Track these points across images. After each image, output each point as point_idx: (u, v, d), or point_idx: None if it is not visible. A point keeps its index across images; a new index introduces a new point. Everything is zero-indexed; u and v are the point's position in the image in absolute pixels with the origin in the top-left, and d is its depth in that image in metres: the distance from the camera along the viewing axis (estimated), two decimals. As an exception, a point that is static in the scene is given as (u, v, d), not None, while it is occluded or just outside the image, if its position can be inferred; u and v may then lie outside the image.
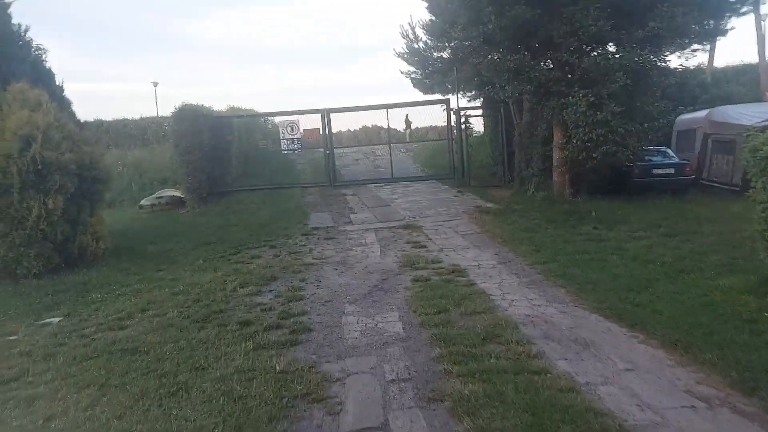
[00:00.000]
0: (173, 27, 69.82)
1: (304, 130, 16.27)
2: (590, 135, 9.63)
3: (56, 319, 5.88)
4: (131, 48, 63.89)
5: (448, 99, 15.74)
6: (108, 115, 37.25)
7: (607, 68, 9.55)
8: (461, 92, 15.99)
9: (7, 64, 8.80)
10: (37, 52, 9.74)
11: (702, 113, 14.24)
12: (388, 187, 15.90)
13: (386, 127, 20.51)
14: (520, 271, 6.74)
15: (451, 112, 15.55)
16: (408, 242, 8.89)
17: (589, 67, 9.64)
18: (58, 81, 10.03)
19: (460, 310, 5.19)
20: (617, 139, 9.53)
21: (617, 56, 9.58)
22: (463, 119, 15.52)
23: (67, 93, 10.20)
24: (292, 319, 5.21)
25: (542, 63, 10.23)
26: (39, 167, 7.40)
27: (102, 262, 8.12)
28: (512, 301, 5.57)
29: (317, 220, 11.35)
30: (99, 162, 8.52)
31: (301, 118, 16.35)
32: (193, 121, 15.32)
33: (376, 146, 23.32)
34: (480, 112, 16.62)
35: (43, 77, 9.52)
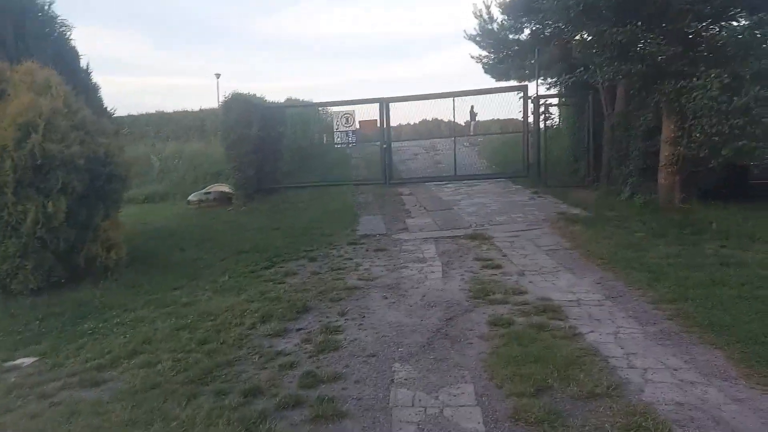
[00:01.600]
0: (243, 22, 70.64)
1: (360, 121, 14.75)
2: (720, 127, 7.41)
3: (29, 360, 4.61)
4: (198, 42, 65.14)
5: (526, 85, 13.69)
6: (169, 107, 37.46)
7: (748, 42, 7.29)
8: (542, 78, 13.86)
9: (23, 40, 7.76)
10: (62, 29, 8.69)
11: None
12: (450, 185, 14.07)
13: (447, 120, 18.83)
14: (641, 314, 4.81)
15: (529, 101, 13.48)
16: (477, 259, 7.11)
17: (727, 40, 7.40)
18: (83, 63, 8.98)
19: (568, 390, 3.40)
20: (758, 132, 7.25)
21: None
22: (542, 108, 13.42)
23: (114, 82, 9.17)
24: (319, 390, 3.61)
25: (655, 37, 8.04)
26: (38, 162, 6.24)
27: (114, 275, 6.91)
28: (645, 371, 3.71)
29: (368, 225, 9.76)
30: (116, 156, 7.30)
31: (358, 108, 14.84)
32: (242, 111, 14.19)
33: (437, 139, 21.49)
34: (562, 100, 14.42)
35: (66, 57, 8.48)
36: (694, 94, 7.51)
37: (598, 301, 5.18)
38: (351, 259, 7.52)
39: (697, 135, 7.68)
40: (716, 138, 7.50)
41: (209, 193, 15.63)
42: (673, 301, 5.01)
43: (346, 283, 6.22)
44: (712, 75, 7.29)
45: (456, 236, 8.58)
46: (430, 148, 21.20)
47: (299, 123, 18.44)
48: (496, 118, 18.11)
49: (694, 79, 7.72)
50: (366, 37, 73.28)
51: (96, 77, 9.38)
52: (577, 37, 13.06)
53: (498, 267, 6.63)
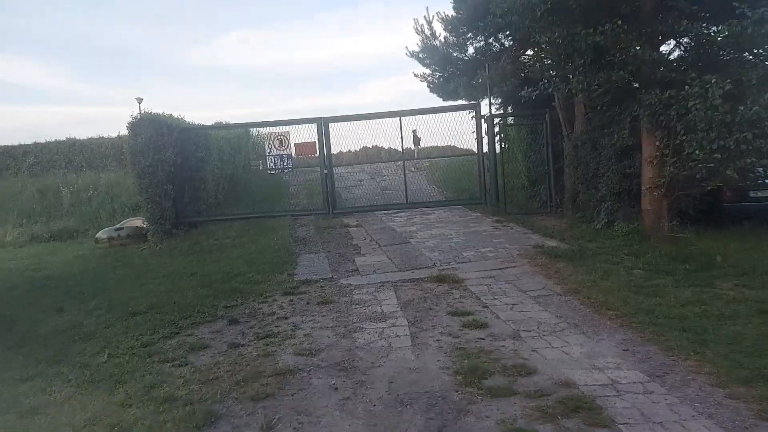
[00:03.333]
0: (174, 51, 67.18)
1: (296, 144, 12.96)
2: (722, 141, 6.26)
3: None
4: (124, 71, 61.30)
5: (478, 103, 12.45)
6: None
7: (750, 42, 6.25)
8: (493, 96, 12.69)
9: None
10: None
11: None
12: (401, 215, 12.51)
13: (388, 147, 17.40)
14: (715, 408, 3.28)
15: (482, 120, 12.24)
16: (452, 312, 5.47)
17: (726, 40, 6.34)
18: None
19: None
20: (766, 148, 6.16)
21: None
22: (497, 128, 12.23)
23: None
24: None
25: (639, 39, 6.90)
26: None
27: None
28: None
29: (309, 267, 7.92)
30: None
31: (293, 129, 13.06)
32: (154, 133, 12.07)
33: (382, 163, 20.05)
34: (510, 121, 13.34)
35: None
36: (691, 104, 6.35)
37: (642, 384, 3.63)
38: (286, 318, 5.65)
39: (695, 152, 6.49)
40: (718, 155, 6.35)
41: (121, 228, 13.30)
42: (747, 381, 3.54)
43: (277, 364, 4.35)
44: (713, 81, 6.15)
45: (419, 279, 6.93)
46: (374, 173, 19.66)
47: (227, 148, 16.39)
48: (443, 143, 16.80)
49: (686, 87, 6.59)
50: (308, 65, 71.87)
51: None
52: (536, 48, 12.11)
53: (483, 326, 5.00)
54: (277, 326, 5.40)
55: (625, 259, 7.25)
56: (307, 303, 6.19)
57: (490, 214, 11.75)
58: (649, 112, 7.36)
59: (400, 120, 12.43)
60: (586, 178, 10.57)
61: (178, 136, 12.56)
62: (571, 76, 7.83)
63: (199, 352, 4.82)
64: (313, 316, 5.70)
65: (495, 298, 5.93)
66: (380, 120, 12.89)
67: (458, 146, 13.97)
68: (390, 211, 12.86)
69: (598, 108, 9.10)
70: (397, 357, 4.38)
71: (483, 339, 4.68)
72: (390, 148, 18.94)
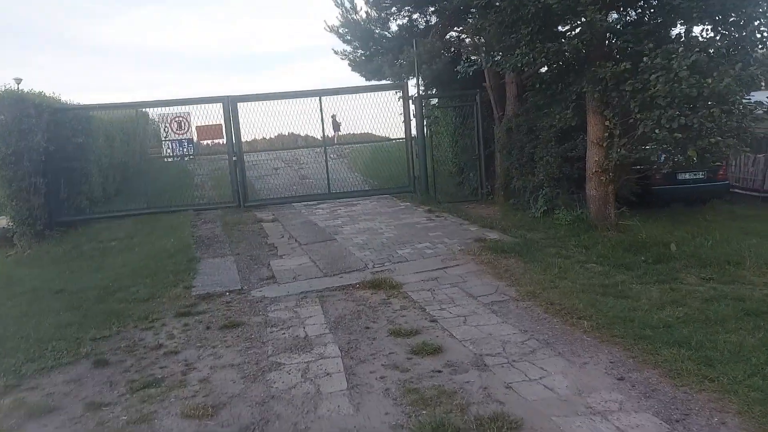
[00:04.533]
0: (71, 28, 59.75)
1: (197, 127, 11.21)
2: (685, 119, 5.62)
3: None
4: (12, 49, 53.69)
5: (405, 83, 11.41)
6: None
7: (725, 3, 5.62)
8: (420, 76, 11.66)
9: None
10: None
11: None
12: (323, 206, 11.22)
13: (305, 135, 15.99)
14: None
15: (410, 102, 11.21)
16: (395, 332, 4.35)
17: (689, 4, 5.65)
18: None
19: None
20: (732, 125, 5.59)
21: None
22: (425, 109, 11.26)
23: None
24: None
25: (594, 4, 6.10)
26: None
27: None
28: None
29: (212, 276, 6.46)
30: None
31: (195, 110, 11.27)
32: (17, 114, 9.86)
33: (301, 149, 18.52)
34: (442, 101, 12.44)
35: None
36: (653, 76, 5.63)
37: (661, 433, 2.72)
38: (176, 353, 4.25)
39: (655, 132, 5.82)
40: (678, 134, 5.71)
41: (-18, 231, 10.83)
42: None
43: (155, 436, 3.00)
44: (679, 51, 5.47)
45: (350, 286, 5.75)
46: (292, 161, 18.13)
47: (119, 132, 14.15)
48: (366, 128, 15.55)
49: (644, 59, 5.89)
50: (220, 47, 67.10)
51: None
52: (466, 24, 11.24)
53: (436, 351, 3.92)
54: (162, 367, 3.99)
55: (575, 251, 6.54)
56: (207, 327, 4.80)
57: (420, 204, 10.79)
58: (599, 88, 6.64)
59: (320, 100, 11.09)
60: (520, 163, 9.88)
61: (51, 118, 10.42)
62: (514, 50, 6.91)
63: (40, 420, 3.33)
64: (214, 347, 4.34)
65: (443, 308, 4.89)
66: (297, 101, 11.49)
67: (382, 132, 12.86)
68: (310, 203, 11.53)
69: (537, 86, 8.34)
70: (330, 411, 3.19)
71: (440, 372, 3.60)
72: (308, 136, 17.43)
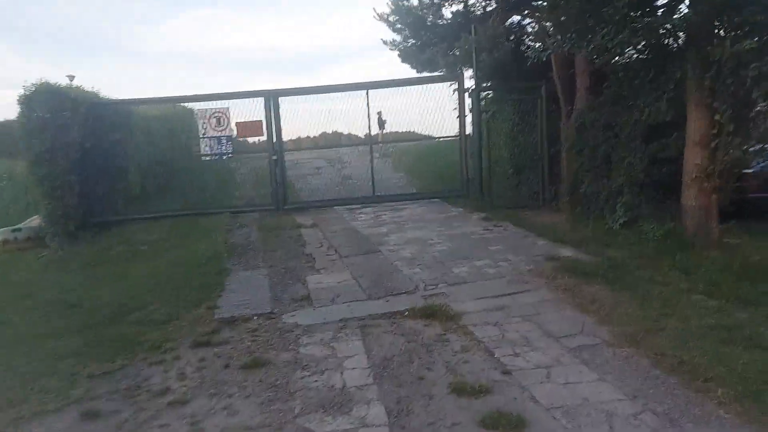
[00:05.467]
0: (119, 30, 61.57)
1: (237, 123, 10.51)
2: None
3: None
4: (69, 52, 55.69)
5: (461, 73, 10.32)
6: None
7: None
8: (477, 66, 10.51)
9: None
10: None
11: None
12: (367, 210, 10.31)
13: (348, 133, 15.07)
14: None
15: (466, 95, 10.13)
16: (458, 388, 3.35)
17: None
18: None
19: None
20: None
21: None
22: (484, 103, 10.15)
23: None
24: None
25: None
26: None
27: None
28: None
29: (240, 294, 5.64)
30: None
31: (235, 105, 10.59)
32: (53, 108, 9.49)
33: (344, 148, 17.66)
34: (499, 94, 11.24)
35: None
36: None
37: None
38: (184, 404, 3.40)
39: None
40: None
41: (19, 230, 10.58)
42: None
43: None
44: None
45: (397, 313, 4.78)
46: (335, 160, 17.32)
47: (161, 129, 13.76)
48: (415, 126, 14.39)
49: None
50: (273, 50, 67.34)
51: None
52: (531, 8, 10.07)
53: (517, 426, 2.90)
54: (162, 425, 3.15)
55: (673, 277, 5.31)
56: (226, 366, 3.95)
57: (474, 210, 9.70)
58: (710, 73, 5.37)
59: (367, 94, 10.16)
60: (593, 165, 8.60)
61: (88, 112, 9.96)
62: (599, 30, 5.71)
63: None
64: (230, 396, 3.48)
65: (516, 353, 3.84)
66: (342, 97, 10.62)
67: (432, 129, 11.77)
68: (353, 206, 10.64)
69: (621, 75, 7.09)
70: None
71: (527, 464, 2.58)
72: (350, 134, 16.58)
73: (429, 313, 4.69)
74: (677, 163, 6.79)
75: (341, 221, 9.31)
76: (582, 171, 8.95)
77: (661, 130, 7.02)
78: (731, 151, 5.44)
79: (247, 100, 10.47)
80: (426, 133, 12.37)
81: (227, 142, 10.53)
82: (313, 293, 5.51)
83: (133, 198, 11.51)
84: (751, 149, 5.83)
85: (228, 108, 10.43)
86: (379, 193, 10.84)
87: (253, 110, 10.56)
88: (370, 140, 10.91)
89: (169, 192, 12.78)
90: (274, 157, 10.18)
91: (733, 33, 5.21)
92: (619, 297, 4.79)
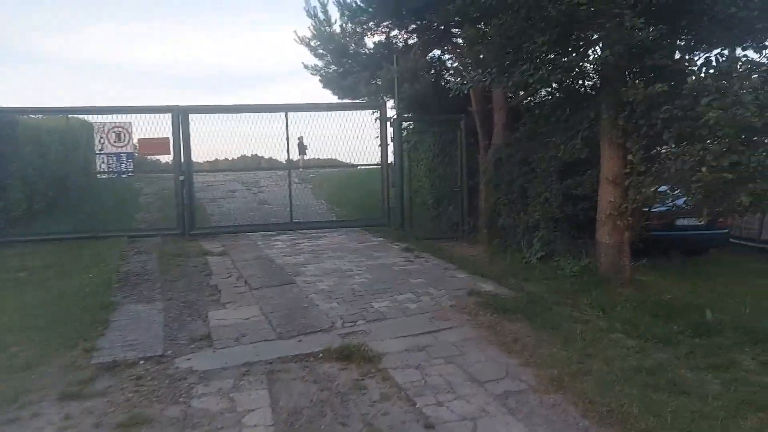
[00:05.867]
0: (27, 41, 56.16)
1: (140, 140, 9.61)
2: (738, 156, 4.52)
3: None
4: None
5: (384, 101, 10.21)
6: None
7: None
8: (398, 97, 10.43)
9: None
10: None
11: None
12: (283, 237, 9.75)
13: (268, 157, 14.53)
14: None
15: (387, 123, 9.99)
16: (375, 445, 2.94)
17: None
18: None
19: None
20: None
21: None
22: (405, 133, 10.06)
23: None
24: None
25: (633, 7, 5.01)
26: None
27: None
28: None
29: (127, 332, 4.87)
30: None
31: (138, 120, 9.70)
32: None
33: (263, 171, 16.95)
34: (419, 125, 11.26)
35: None
36: (706, 100, 4.51)
37: None
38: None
39: (702, 170, 4.68)
40: (729, 175, 4.59)
41: None
42: None
43: None
44: (741, 69, 4.39)
45: (310, 355, 4.30)
46: (252, 183, 16.63)
47: (54, 142, 12.35)
48: (336, 153, 13.94)
49: (689, 78, 4.81)
50: (194, 68, 64.60)
51: None
52: (451, 44, 10.21)
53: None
54: None
55: (591, 314, 5.30)
56: (97, 425, 3.25)
57: (395, 240, 9.47)
58: (624, 114, 5.53)
59: (286, 116, 9.72)
60: (509, 199, 8.74)
61: (-40, 120, 8.66)
62: (520, 65, 5.74)
63: None
64: (95, 468, 2.81)
65: (440, 402, 3.51)
66: (261, 118, 10.09)
67: (354, 156, 11.50)
68: (269, 233, 10.03)
69: (538, 112, 7.24)
70: None
71: None
72: (271, 159, 15.99)
73: (346, 355, 4.26)
74: (591, 200, 6.96)
75: (254, 249, 8.68)
76: (499, 205, 9.05)
77: (576, 167, 7.21)
78: (643, 190, 5.59)
79: (153, 115, 9.63)
80: (348, 160, 12.08)
81: (127, 159, 9.58)
82: (214, 332, 4.88)
83: (16, 218, 10.11)
84: (660, 189, 6.05)
85: (130, 123, 9.53)
86: (297, 220, 10.33)
87: (161, 127, 9.75)
88: (288, 165, 10.42)
89: (60, 212, 11.40)
90: (182, 178, 9.39)
91: (644, 78, 5.41)
92: (541, 335, 4.65)
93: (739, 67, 4.37)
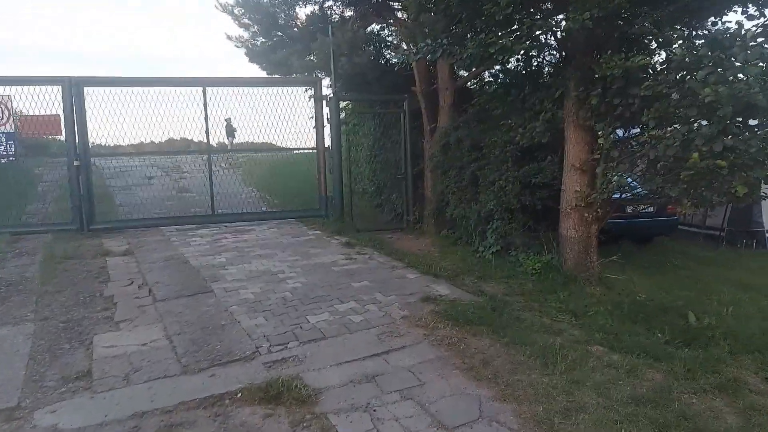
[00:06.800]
0: None
1: (23, 117, 7.95)
2: (737, 141, 3.90)
3: None
4: None
5: (319, 78, 9.08)
6: None
7: None
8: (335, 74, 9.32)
9: None
10: None
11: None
12: (204, 232, 8.48)
13: (198, 140, 13.02)
14: None
15: (323, 103, 8.89)
16: None
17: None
18: None
19: None
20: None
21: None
22: (344, 115, 9.01)
23: None
24: None
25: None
26: None
27: None
28: None
29: (-25, 373, 3.62)
30: None
31: (21, 93, 8.00)
32: None
33: (185, 156, 15.30)
34: (358, 106, 10.25)
35: None
36: (702, 74, 3.83)
37: None
38: None
39: (693, 156, 4.02)
40: (722, 162, 3.96)
41: None
42: None
43: None
44: (737, 39, 3.72)
45: (226, 396, 3.26)
46: (173, 168, 14.94)
47: None
48: (267, 135, 12.55)
49: (675, 49, 4.14)
50: (89, 44, 59.13)
51: None
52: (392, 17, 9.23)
53: None
54: None
55: (563, 320, 4.61)
56: None
57: (334, 233, 8.47)
58: (596, 92, 4.81)
59: (204, 93, 8.39)
60: (459, 187, 7.97)
61: None
62: (475, 37, 4.87)
63: None
64: None
65: (400, 464, 2.60)
66: (176, 94, 8.66)
67: (288, 140, 10.32)
68: (187, 227, 8.72)
69: (494, 89, 6.45)
70: None
71: None
72: (201, 142, 14.43)
73: (273, 395, 3.26)
74: (552, 189, 6.31)
75: (166, 247, 7.38)
76: (448, 193, 8.26)
77: (534, 152, 6.52)
78: (615, 178, 4.93)
79: (42, 88, 7.99)
80: (282, 144, 10.84)
81: (8, 141, 7.90)
82: (98, 366, 3.70)
83: None
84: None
85: (9, 97, 7.84)
86: (221, 211, 9.05)
87: (49, 102, 8.11)
88: (208, 148, 9.09)
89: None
90: (77, 163, 7.86)
91: (621, 50, 4.70)
92: (513, 355, 3.85)
93: (743, 32, 3.72)
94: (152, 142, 15.15)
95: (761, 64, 3.62)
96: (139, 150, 13.29)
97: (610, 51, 4.79)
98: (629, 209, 8.30)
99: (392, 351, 3.95)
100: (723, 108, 3.68)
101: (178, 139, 16.19)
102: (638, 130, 5.22)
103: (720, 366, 3.72)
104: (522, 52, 5.05)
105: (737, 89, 3.58)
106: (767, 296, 5.64)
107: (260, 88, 8.81)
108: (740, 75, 3.69)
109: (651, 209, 8.56)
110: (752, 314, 4.87)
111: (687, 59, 3.96)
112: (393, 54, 10.00)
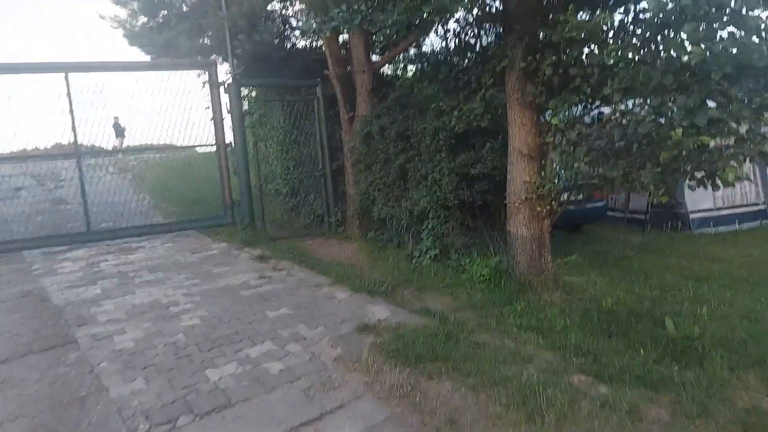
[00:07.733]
0: None
1: None
2: (725, 113, 3.25)
3: None
4: None
5: (214, 61, 7.70)
6: None
7: None
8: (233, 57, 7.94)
9: None
10: None
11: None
12: (79, 255, 6.87)
13: (91, 144, 11.05)
14: None
15: (220, 89, 7.55)
16: None
17: None
18: None
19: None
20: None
21: None
22: (248, 104, 7.72)
23: None
24: None
25: None
26: None
27: None
28: None
29: None
30: None
31: None
32: None
33: (64, 161, 13.16)
34: (262, 91, 8.98)
35: None
36: (689, 26, 3.10)
37: None
38: None
39: (673, 133, 3.33)
40: (708, 139, 3.30)
41: None
42: None
43: None
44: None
45: None
46: (49, 176, 12.76)
47: None
48: (158, 133, 10.66)
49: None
50: None
51: None
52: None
53: None
54: None
55: (529, 343, 3.80)
56: None
57: (244, 244, 7.23)
58: (549, 61, 4.02)
59: (67, 80, 6.74)
60: (386, 183, 7.03)
61: None
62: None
63: None
64: None
65: None
66: (29, 84, 6.92)
67: (185, 136, 8.78)
68: (56, 250, 7.05)
69: (423, 68, 5.54)
70: None
71: None
72: (94, 146, 12.33)
73: None
74: (493, 180, 5.54)
75: (23, 278, 5.76)
76: (373, 190, 7.30)
77: (469, 138, 5.71)
78: (575, 164, 4.19)
79: None
80: (181, 143, 9.24)
81: None
82: None
83: None
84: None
85: None
86: (99, 227, 7.45)
87: None
88: (76, 149, 7.44)
89: None
90: None
91: (574, 8, 3.92)
92: (487, 404, 2.95)
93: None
94: (37, 149, 12.65)
95: (761, 13, 2.97)
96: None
97: (571, 8, 3.98)
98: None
99: (326, 414, 2.90)
100: (715, 72, 2.98)
101: (67, 143, 13.69)
102: (590, 106, 4.53)
103: (726, 390, 3.06)
104: (461, 10, 4.16)
105: (737, 45, 2.88)
106: (726, 286, 5.24)
107: (142, 75, 7.25)
108: (731, 28, 3.01)
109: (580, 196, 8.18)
110: (726, 313, 4.36)
111: (662, 14, 3.23)
112: (300, 36, 8.86)
